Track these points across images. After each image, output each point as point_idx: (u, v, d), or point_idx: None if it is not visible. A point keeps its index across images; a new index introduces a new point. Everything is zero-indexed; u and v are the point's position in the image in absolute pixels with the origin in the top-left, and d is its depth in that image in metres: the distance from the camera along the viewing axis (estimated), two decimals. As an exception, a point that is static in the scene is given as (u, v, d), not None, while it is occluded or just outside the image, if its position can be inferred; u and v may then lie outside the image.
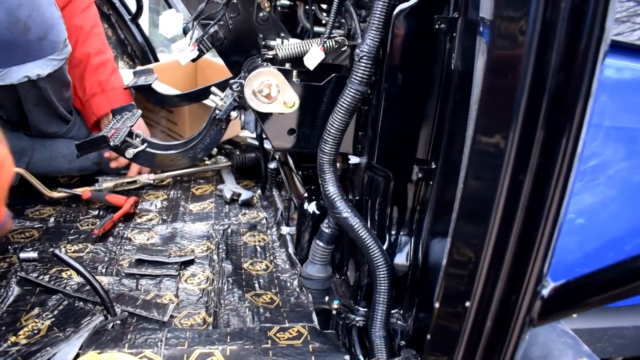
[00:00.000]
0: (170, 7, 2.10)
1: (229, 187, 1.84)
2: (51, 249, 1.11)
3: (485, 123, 0.66)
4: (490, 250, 0.68)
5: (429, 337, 0.84)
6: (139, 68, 1.95)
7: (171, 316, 1.18)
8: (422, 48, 1.10)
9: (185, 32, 1.24)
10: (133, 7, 2.41)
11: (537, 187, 0.65)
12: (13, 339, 1.05)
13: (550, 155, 0.63)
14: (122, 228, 1.56)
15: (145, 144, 1.32)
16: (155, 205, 1.73)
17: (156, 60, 2.52)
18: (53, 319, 1.12)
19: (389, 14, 1.07)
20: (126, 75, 1.91)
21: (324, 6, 1.41)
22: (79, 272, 1.12)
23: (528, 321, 0.73)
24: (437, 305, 0.81)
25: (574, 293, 0.71)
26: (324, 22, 1.56)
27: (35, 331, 1.07)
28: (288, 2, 1.56)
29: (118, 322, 1.14)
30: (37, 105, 1.61)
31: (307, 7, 1.40)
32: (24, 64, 1.46)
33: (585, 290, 0.69)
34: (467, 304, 0.73)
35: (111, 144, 1.19)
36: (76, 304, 1.17)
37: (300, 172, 1.56)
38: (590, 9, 0.58)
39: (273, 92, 1.19)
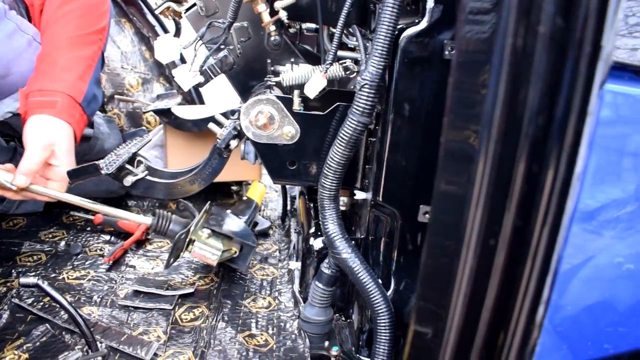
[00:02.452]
0: (165, 31, 2.09)
1: (247, 215, 1.78)
2: (32, 279, 1.07)
3: (445, 178, 0.55)
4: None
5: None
6: (162, 92, 1.95)
7: (155, 354, 1.12)
8: (431, 76, 1.00)
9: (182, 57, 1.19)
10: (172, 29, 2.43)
11: (513, 256, 0.54)
12: (-14, 371, 1.02)
13: (528, 216, 0.52)
14: (130, 255, 1.53)
15: (146, 172, 1.28)
16: (170, 231, 1.68)
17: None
18: (32, 352, 1.08)
19: (394, 39, 0.98)
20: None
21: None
22: (61, 305, 1.08)
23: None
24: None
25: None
26: (350, 45, 1.50)
27: (10, 364, 1.04)
28: (314, 26, 1.50)
29: (98, 358, 1.08)
30: None
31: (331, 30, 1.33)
32: (1, 100, 1.41)
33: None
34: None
35: (102, 172, 1.15)
36: (60, 337, 1.13)
37: (312, 204, 1.47)
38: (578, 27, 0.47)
39: (271, 122, 1.12)
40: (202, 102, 2.19)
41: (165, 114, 1.70)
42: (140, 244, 1.59)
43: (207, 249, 1.29)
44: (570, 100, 0.48)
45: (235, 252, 1.35)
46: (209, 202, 1.42)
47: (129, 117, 2.07)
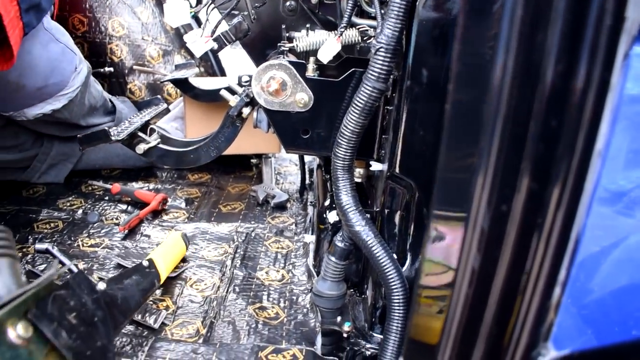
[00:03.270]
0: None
1: (265, 187, 1.75)
2: (46, 245, 1.07)
3: (453, 135, 0.50)
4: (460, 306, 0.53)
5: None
6: (181, 61, 1.92)
7: (163, 323, 1.11)
8: (452, 40, 0.94)
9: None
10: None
11: (527, 219, 0.49)
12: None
13: (546, 177, 0.47)
14: (145, 224, 1.52)
15: (158, 140, 1.26)
16: (187, 202, 1.67)
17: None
18: (42, 317, 1.08)
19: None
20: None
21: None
22: (70, 271, 1.07)
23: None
24: None
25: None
26: (372, 15, 1.44)
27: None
28: (334, -6, 1.44)
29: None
30: (69, 129, 1.62)
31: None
32: (34, 105, 1.45)
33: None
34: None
35: (112, 138, 1.13)
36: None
37: (329, 176, 1.43)
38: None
39: (283, 88, 1.08)
40: (223, 74, 2.16)
41: (183, 85, 1.68)
42: (156, 214, 1.58)
43: None
44: (594, 49, 0.42)
45: None
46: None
47: (150, 89, 2.05)
